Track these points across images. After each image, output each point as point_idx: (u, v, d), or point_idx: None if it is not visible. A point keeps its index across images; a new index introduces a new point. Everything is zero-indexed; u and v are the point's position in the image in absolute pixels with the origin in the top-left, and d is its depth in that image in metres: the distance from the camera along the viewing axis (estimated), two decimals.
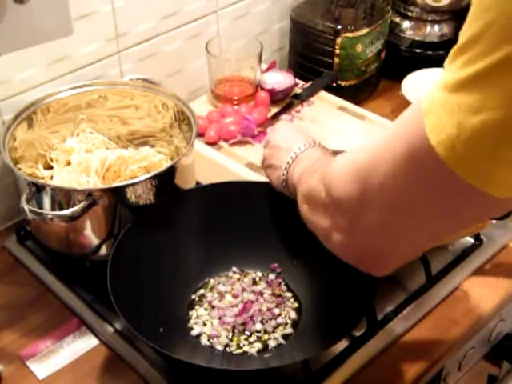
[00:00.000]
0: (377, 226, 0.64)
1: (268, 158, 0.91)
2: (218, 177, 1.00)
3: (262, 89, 1.19)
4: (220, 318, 0.89)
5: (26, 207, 0.85)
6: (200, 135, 1.10)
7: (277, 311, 0.90)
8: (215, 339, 0.86)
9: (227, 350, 0.86)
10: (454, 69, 0.52)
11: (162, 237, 0.92)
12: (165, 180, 0.93)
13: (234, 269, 0.95)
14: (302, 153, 0.84)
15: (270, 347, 0.86)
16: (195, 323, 0.89)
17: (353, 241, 0.68)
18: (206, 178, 1.01)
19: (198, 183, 1.01)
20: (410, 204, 0.60)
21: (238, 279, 0.94)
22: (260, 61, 1.17)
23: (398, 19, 1.41)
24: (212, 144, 1.10)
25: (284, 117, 1.16)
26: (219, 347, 0.86)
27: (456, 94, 0.52)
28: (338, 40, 1.24)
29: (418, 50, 1.40)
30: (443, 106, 0.53)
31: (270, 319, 0.89)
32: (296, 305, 0.91)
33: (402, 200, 0.60)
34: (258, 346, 0.86)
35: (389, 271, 0.71)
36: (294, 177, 0.83)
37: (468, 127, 0.51)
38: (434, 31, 1.40)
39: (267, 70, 1.23)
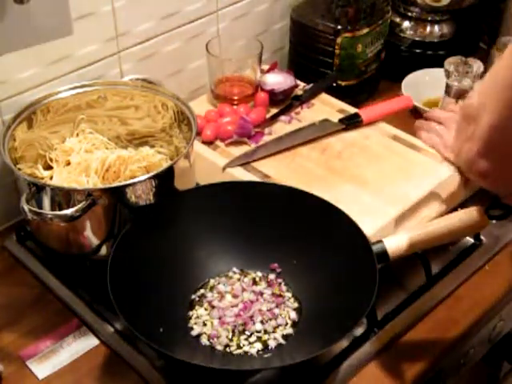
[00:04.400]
0: (495, 126, 0.69)
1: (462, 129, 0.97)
2: (214, 176, 1.00)
3: (262, 89, 1.19)
4: (220, 318, 0.89)
5: (26, 207, 0.85)
6: (197, 134, 1.09)
7: (277, 311, 0.90)
8: (215, 339, 0.86)
9: (227, 349, 0.85)
10: None
11: (162, 237, 0.92)
12: (164, 180, 0.93)
13: (234, 269, 0.95)
14: None
15: (270, 347, 0.86)
16: (195, 323, 0.89)
17: (477, 145, 0.72)
18: (203, 177, 1.01)
19: (197, 183, 1.01)
20: None
21: (238, 279, 0.94)
22: (260, 61, 1.17)
23: (398, 19, 1.41)
24: (208, 143, 1.10)
25: (283, 118, 1.16)
26: (219, 347, 0.86)
27: None
28: (338, 40, 1.24)
29: (417, 50, 1.40)
30: None
31: (270, 319, 0.89)
32: (296, 305, 0.91)
33: None
34: (258, 346, 0.86)
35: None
36: None
37: None
38: (434, 31, 1.40)
39: (268, 71, 1.23)
